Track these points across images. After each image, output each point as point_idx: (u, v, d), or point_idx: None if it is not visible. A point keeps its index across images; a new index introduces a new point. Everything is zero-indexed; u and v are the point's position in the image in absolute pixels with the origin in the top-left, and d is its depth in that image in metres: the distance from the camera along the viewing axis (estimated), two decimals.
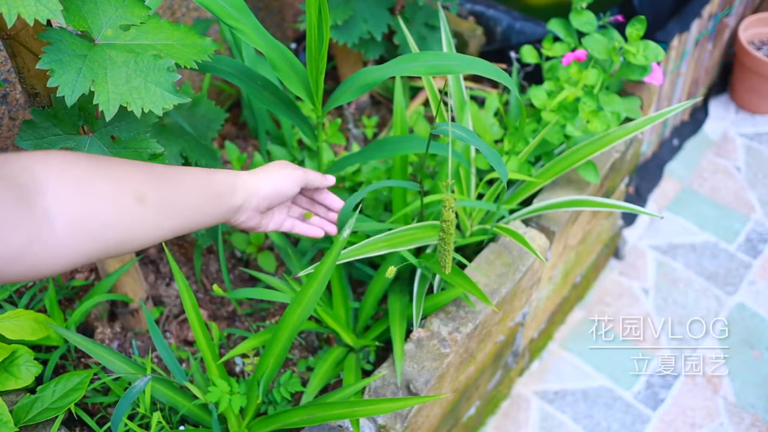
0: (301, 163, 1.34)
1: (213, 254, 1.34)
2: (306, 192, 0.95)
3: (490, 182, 1.23)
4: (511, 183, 1.22)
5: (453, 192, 1.00)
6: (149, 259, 1.31)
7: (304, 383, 1.10)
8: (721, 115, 2.15)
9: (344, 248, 0.99)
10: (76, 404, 0.99)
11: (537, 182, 1.19)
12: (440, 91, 0.84)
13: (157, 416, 0.94)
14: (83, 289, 1.23)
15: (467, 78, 1.49)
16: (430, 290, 1.10)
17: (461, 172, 1.19)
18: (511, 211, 1.20)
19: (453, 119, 1.22)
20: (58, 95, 0.71)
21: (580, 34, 1.26)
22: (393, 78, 1.51)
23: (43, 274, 0.60)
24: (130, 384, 1.03)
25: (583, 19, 1.22)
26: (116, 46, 0.76)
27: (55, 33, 0.73)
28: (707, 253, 1.84)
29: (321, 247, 1.18)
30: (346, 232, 0.90)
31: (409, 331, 1.07)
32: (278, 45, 0.96)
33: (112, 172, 0.65)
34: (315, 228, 0.95)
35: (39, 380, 1.03)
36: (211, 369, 1.01)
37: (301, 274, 0.97)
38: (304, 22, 1.43)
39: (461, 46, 1.58)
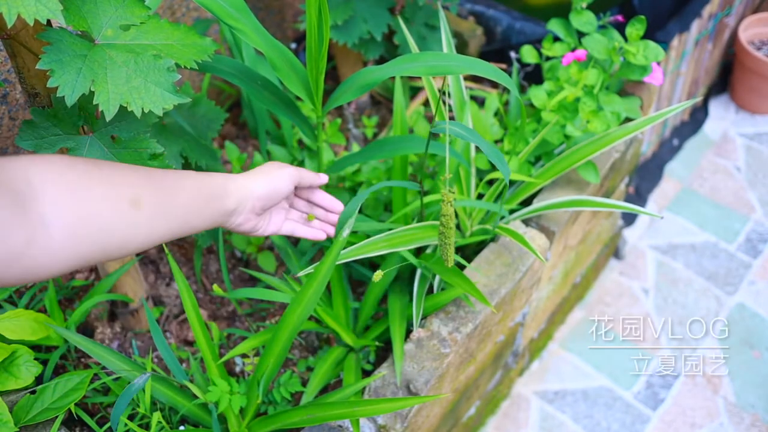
0: (301, 163, 1.34)
1: (213, 254, 1.34)
2: (302, 193, 0.95)
3: (490, 182, 1.23)
4: (511, 183, 1.22)
5: (452, 188, 0.99)
6: (149, 259, 1.31)
7: (304, 383, 1.10)
8: (721, 115, 2.15)
9: (344, 248, 0.99)
10: (76, 404, 0.99)
11: (537, 182, 1.19)
12: (440, 91, 0.84)
13: (157, 416, 0.94)
14: (83, 289, 1.23)
15: (467, 78, 1.49)
16: (430, 290, 1.10)
17: (461, 172, 1.19)
18: (511, 211, 1.20)
19: (453, 119, 1.22)
20: (58, 95, 0.71)
21: (580, 34, 1.26)
22: (393, 78, 1.51)
23: (40, 277, 0.60)
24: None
25: (583, 19, 1.22)
26: (116, 46, 0.76)
27: (55, 33, 0.73)
28: (707, 253, 1.84)
29: (321, 246, 1.18)
30: (346, 232, 0.90)
31: (409, 331, 1.07)
32: (278, 45, 0.96)
33: (106, 176, 0.65)
34: (317, 231, 0.95)
35: (39, 380, 1.03)
36: (211, 369, 1.01)
37: (301, 274, 0.97)
38: (304, 22, 1.43)
39: (461, 46, 1.58)
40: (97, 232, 0.63)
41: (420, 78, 1.49)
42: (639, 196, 1.91)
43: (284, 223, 0.92)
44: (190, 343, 1.22)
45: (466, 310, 1.08)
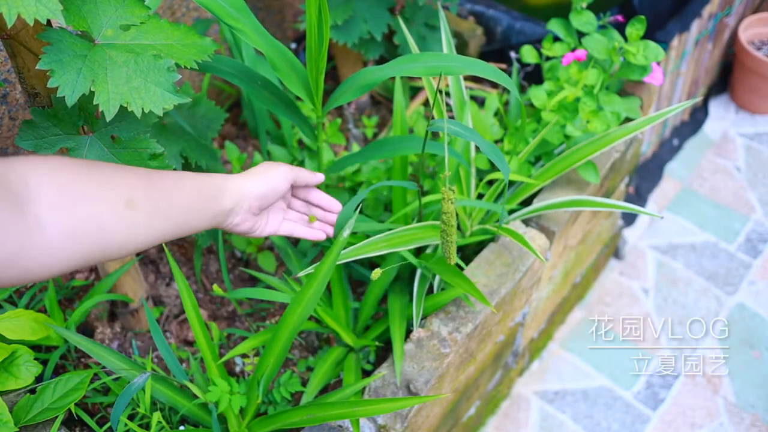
0: (301, 163, 1.34)
1: (213, 254, 1.34)
2: (299, 193, 0.95)
3: (490, 183, 1.23)
4: (511, 183, 1.22)
5: (451, 186, 1.00)
6: (149, 259, 1.31)
7: (304, 383, 1.10)
8: (721, 115, 2.15)
9: (344, 248, 0.99)
10: (76, 404, 0.99)
11: (536, 183, 1.19)
12: (438, 90, 0.85)
13: (157, 416, 0.94)
14: (83, 289, 1.23)
15: (467, 78, 1.49)
16: (430, 290, 1.10)
17: (461, 172, 1.19)
18: (511, 211, 1.20)
19: (452, 119, 1.22)
20: (58, 95, 0.71)
21: (580, 34, 1.26)
22: (393, 78, 1.51)
23: (38, 278, 0.61)
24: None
25: (583, 19, 1.22)
26: (116, 46, 0.76)
27: (55, 33, 0.73)
28: (707, 253, 1.84)
29: (322, 247, 1.18)
30: (346, 232, 0.90)
31: (409, 331, 1.07)
32: (278, 45, 0.96)
33: (102, 178, 0.65)
34: (316, 231, 0.95)
35: (39, 380, 1.03)
36: (211, 369, 1.01)
37: (301, 274, 0.97)
38: (304, 22, 1.43)
39: (461, 46, 1.58)
40: (94, 232, 0.63)
41: (420, 78, 1.49)
42: (639, 196, 1.91)
43: (282, 223, 0.92)
44: (190, 343, 1.22)
45: (466, 310, 1.08)
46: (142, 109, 0.75)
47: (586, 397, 1.60)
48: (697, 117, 2.12)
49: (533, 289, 1.27)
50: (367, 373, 1.11)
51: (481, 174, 1.25)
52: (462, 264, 1.07)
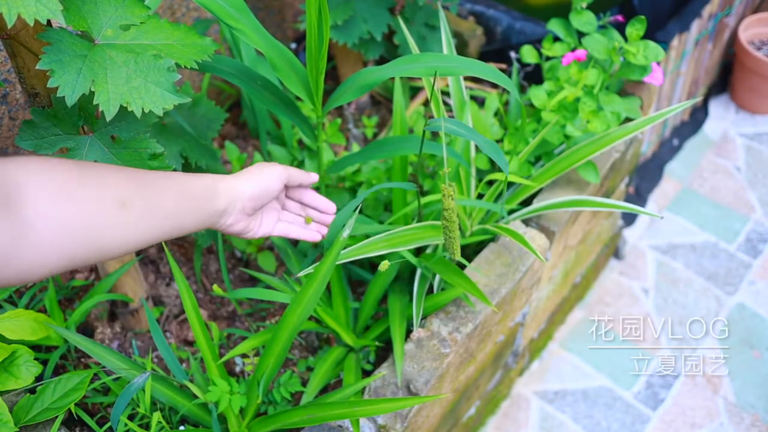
0: (301, 163, 1.34)
1: (213, 254, 1.34)
2: (293, 194, 0.94)
3: (490, 183, 1.23)
4: (511, 183, 1.22)
5: (451, 183, 1.00)
6: (149, 259, 1.31)
7: (304, 383, 1.10)
8: (721, 115, 2.15)
9: (344, 248, 0.99)
10: (76, 404, 0.99)
11: (536, 183, 1.19)
12: (440, 92, 0.85)
13: (157, 416, 0.94)
14: (83, 289, 1.23)
15: (467, 78, 1.49)
16: (430, 290, 1.10)
17: (461, 172, 1.19)
18: (511, 211, 1.20)
19: (452, 119, 1.21)
20: (58, 95, 0.71)
21: (580, 34, 1.26)
22: (393, 78, 1.51)
23: (31, 278, 0.60)
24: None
25: (583, 19, 1.22)
26: (116, 46, 0.76)
27: (55, 33, 0.73)
28: (707, 253, 1.84)
29: (322, 247, 1.18)
30: (346, 233, 0.90)
31: (409, 331, 1.07)
32: (278, 45, 0.96)
33: (94, 178, 0.65)
34: (311, 232, 0.94)
35: (39, 380, 1.03)
36: (211, 369, 1.01)
37: (301, 274, 0.97)
38: (304, 22, 1.43)
39: (461, 46, 1.58)
40: (86, 233, 0.63)
41: (420, 78, 1.49)
42: (639, 196, 1.91)
43: (276, 224, 0.91)
44: (190, 343, 1.22)
45: (466, 310, 1.08)
46: (142, 109, 0.75)
47: (586, 397, 1.60)
48: (697, 117, 2.12)
49: (533, 289, 1.27)
50: (367, 373, 1.11)
51: (480, 174, 1.25)
52: (464, 262, 1.07)
